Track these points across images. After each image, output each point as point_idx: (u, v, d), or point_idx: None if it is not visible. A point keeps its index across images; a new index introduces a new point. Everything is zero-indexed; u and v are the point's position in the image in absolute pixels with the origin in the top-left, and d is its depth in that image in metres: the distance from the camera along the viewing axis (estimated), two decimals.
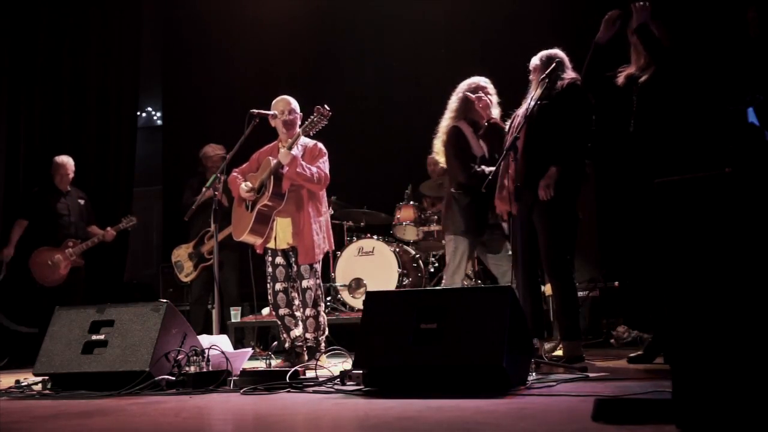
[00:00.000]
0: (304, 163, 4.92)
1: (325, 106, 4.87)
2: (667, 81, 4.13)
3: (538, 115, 4.40)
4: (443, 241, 6.89)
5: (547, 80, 4.38)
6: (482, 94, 4.98)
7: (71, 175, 6.86)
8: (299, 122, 5.08)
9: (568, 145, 4.45)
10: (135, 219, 6.90)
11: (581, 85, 4.47)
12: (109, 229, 6.79)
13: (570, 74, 4.54)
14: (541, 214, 4.47)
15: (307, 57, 8.43)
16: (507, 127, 4.79)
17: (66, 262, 6.65)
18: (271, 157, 4.98)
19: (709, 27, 5.66)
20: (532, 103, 4.45)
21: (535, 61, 4.65)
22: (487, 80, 5.08)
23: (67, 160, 6.86)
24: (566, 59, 4.62)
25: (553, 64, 4.49)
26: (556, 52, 4.64)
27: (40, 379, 4.27)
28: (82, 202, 6.92)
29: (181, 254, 6.82)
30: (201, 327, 6.15)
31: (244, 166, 5.23)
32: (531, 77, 4.70)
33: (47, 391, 4.17)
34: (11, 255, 6.66)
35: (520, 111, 4.64)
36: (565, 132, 4.44)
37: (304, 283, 5.00)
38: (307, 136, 4.99)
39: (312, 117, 4.88)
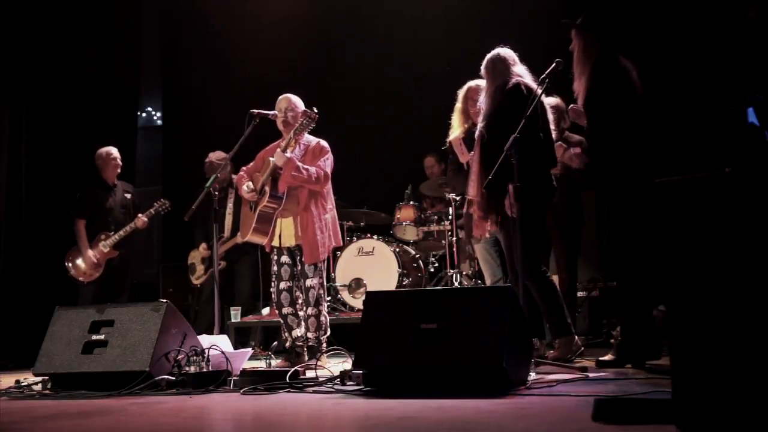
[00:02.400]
0: (300, 164, 4.92)
1: (314, 108, 4.89)
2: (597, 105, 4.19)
3: (493, 122, 4.42)
4: (443, 242, 6.93)
5: (546, 80, 4.36)
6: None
7: (119, 164, 6.72)
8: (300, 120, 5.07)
9: (522, 156, 4.39)
10: (168, 202, 6.71)
11: (522, 86, 4.45)
12: (140, 215, 6.59)
13: (518, 71, 4.51)
14: (513, 223, 4.44)
15: (308, 57, 8.43)
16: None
17: (100, 257, 6.53)
18: (271, 159, 4.99)
19: (710, 27, 5.66)
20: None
21: (482, 70, 4.64)
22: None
23: (112, 149, 6.71)
24: (509, 57, 4.58)
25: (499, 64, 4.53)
26: (497, 53, 4.60)
27: (40, 379, 4.27)
28: (128, 196, 6.79)
29: (196, 256, 6.83)
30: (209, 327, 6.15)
31: (250, 165, 5.24)
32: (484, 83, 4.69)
33: (47, 391, 4.17)
34: (99, 256, 6.50)
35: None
36: (520, 138, 4.40)
37: (308, 282, 5.00)
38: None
39: (301, 120, 4.90)
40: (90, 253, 6.50)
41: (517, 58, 4.61)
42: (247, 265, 6.69)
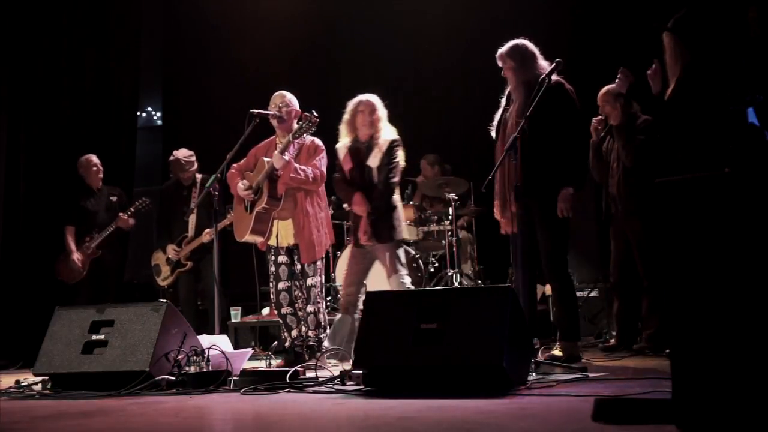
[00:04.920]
0: (297, 165, 4.92)
1: (314, 112, 4.90)
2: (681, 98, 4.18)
3: (534, 118, 4.35)
4: (442, 242, 6.93)
5: (547, 80, 4.34)
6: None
7: (100, 170, 6.84)
8: (295, 118, 5.06)
9: (572, 159, 4.46)
10: (147, 200, 6.79)
11: (566, 86, 4.47)
12: (120, 214, 6.69)
13: (545, 66, 4.45)
14: (543, 222, 4.46)
15: (308, 56, 8.43)
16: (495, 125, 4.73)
17: (82, 257, 6.67)
18: (266, 159, 4.98)
19: (710, 27, 5.65)
20: (516, 103, 4.46)
21: (502, 54, 4.54)
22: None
23: (91, 156, 6.86)
24: (536, 50, 4.54)
25: (527, 58, 4.48)
26: (524, 43, 4.54)
27: (40, 379, 4.27)
28: (114, 198, 6.88)
29: (160, 258, 6.73)
30: (193, 327, 6.12)
31: (241, 162, 5.23)
32: (504, 73, 4.57)
33: (47, 391, 4.17)
34: (81, 257, 6.66)
35: (512, 108, 4.56)
36: (564, 140, 4.43)
37: (309, 281, 5.00)
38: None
39: (301, 123, 4.90)
40: (74, 256, 6.66)
41: (539, 54, 4.56)
42: (212, 264, 6.52)
